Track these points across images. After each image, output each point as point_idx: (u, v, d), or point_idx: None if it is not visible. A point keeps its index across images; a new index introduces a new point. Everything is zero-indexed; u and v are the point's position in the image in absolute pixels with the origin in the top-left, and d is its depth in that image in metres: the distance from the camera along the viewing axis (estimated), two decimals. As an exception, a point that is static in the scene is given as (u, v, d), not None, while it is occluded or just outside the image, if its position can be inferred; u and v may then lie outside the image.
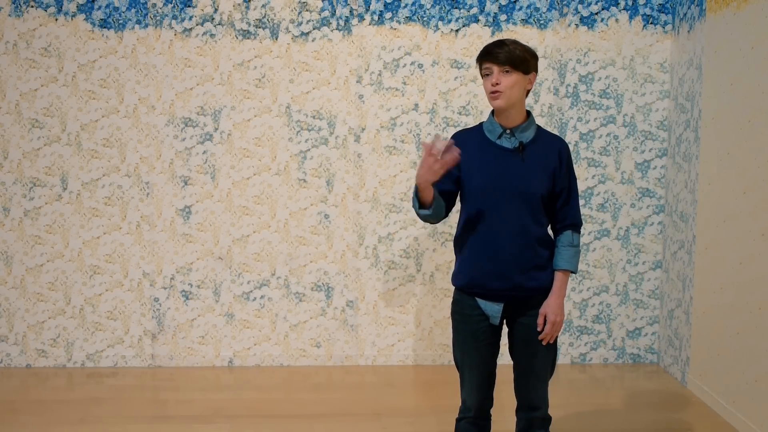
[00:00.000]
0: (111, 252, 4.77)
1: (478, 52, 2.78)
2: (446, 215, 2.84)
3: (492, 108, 2.82)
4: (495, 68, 2.69)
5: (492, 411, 2.99)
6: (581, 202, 4.78)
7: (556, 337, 2.88)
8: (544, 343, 2.80)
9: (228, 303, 4.82)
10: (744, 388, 3.81)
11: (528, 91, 2.78)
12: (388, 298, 4.85)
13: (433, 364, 4.88)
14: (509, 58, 2.68)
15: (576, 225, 2.85)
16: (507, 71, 2.69)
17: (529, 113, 2.80)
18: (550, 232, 2.87)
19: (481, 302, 2.81)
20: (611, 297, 4.88)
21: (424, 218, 2.76)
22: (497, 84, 2.69)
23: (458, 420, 2.99)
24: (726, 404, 3.99)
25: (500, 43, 2.71)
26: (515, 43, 2.72)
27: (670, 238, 4.72)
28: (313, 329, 4.86)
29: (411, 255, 4.82)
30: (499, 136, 2.77)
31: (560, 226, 2.84)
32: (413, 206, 2.77)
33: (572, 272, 2.84)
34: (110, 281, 4.79)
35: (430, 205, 2.71)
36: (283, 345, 4.86)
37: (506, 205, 2.72)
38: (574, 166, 4.74)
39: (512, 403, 2.97)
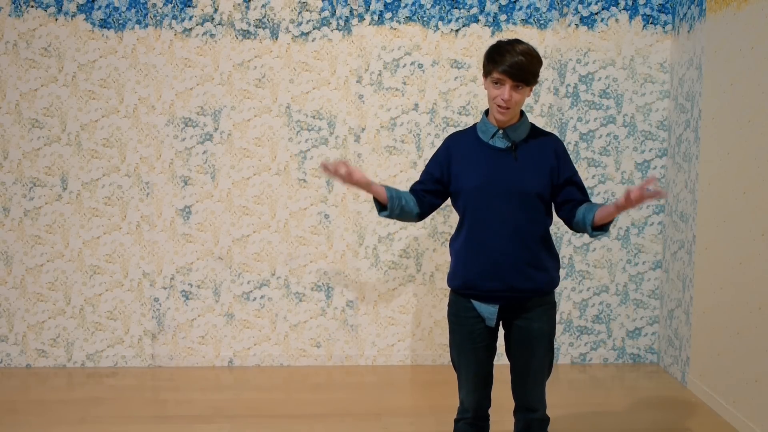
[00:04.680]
0: (111, 252, 4.77)
1: (491, 50, 2.69)
2: (428, 213, 2.92)
3: (487, 108, 2.82)
4: (508, 82, 2.65)
5: (490, 411, 2.99)
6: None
7: (553, 333, 2.85)
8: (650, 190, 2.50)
9: (228, 303, 4.83)
10: (744, 388, 3.81)
11: None
12: (388, 298, 4.85)
13: (432, 364, 4.88)
14: (525, 76, 2.64)
15: (587, 195, 2.83)
16: (519, 87, 2.67)
17: (522, 113, 2.80)
18: (550, 230, 2.86)
19: (477, 304, 2.81)
20: (611, 297, 4.88)
21: (391, 218, 2.86)
22: (509, 101, 2.66)
23: (456, 421, 2.99)
24: (726, 404, 3.98)
25: (515, 51, 2.63)
26: (529, 53, 2.65)
27: (670, 238, 4.72)
28: (313, 329, 4.86)
29: (411, 255, 4.82)
30: (492, 136, 2.78)
31: (576, 203, 2.80)
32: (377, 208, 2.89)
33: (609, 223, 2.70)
34: (110, 281, 4.79)
35: (385, 205, 2.83)
36: (283, 345, 4.86)
37: (500, 204, 2.72)
38: (575, 166, 4.75)
39: (511, 403, 2.97)
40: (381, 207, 2.86)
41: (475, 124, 2.86)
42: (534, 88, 4.66)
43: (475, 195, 2.75)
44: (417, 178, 4.72)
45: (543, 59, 4.69)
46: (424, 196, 2.88)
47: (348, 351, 4.87)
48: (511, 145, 2.75)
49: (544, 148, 2.78)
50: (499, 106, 2.68)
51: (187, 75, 4.68)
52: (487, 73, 2.71)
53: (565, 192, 2.80)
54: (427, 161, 4.72)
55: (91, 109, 4.68)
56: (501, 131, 2.76)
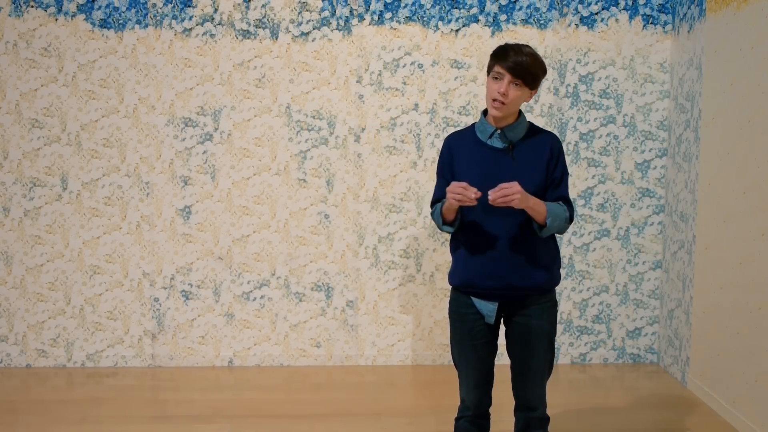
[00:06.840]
0: (111, 252, 4.77)
1: (497, 48, 2.74)
2: None
3: (486, 108, 2.83)
4: (507, 77, 2.68)
5: (491, 410, 2.99)
6: (581, 202, 4.79)
7: (553, 332, 2.85)
8: (491, 198, 2.59)
9: (228, 303, 4.83)
10: (744, 388, 3.81)
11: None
12: (388, 298, 4.85)
13: (432, 364, 4.88)
14: (524, 74, 2.67)
15: (565, 198, 2.84)
16: (517, 84, 2.69)
17: (520, 112, 2.81)
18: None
19: (476, 301, 2.82)
20: (611, 297, 4.88)
21: (448, 231, 2.86)
22: (504, 95, 2.68)
23: (457, 419, 2.99)
24: (726, 404, 3.98)
25: (520, 52, 2.68)
26: (534, 56, 2.70)
27: (670, 238, 4.72)
28: (313, 329, 4.86)
29: (411, 255, 4.82)
30: (490, 136, 2.79)
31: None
32: (436, 222, 2.87)
33: (547, 219, 2.70)
34: (110, 281, 4.79)
35: (454, 221, 2.81)
36: (283, 345, 4.86)
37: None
38: (575, 166, 4.76)
39: (512, 402, 2.97)
40: (444, 221, 2.85)
41: (473, 124, 2.88)
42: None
43: None
44: (417, 178, 4.75)
45: (543, 59, 4.69)
46: None
47: (348, 351, 4.87)
48: (509, 145, 2.77)
49: (541, 146, 2.79)
50: (494, 100, 2.70)
51: (187, 75, 4.68)
52: (489, 70, 2.75)
53: (548, 192, 2.82)
54: (427, 162, 4.74)
55: (91, 109, 4.68)
56: (498, 131, 2.77)
